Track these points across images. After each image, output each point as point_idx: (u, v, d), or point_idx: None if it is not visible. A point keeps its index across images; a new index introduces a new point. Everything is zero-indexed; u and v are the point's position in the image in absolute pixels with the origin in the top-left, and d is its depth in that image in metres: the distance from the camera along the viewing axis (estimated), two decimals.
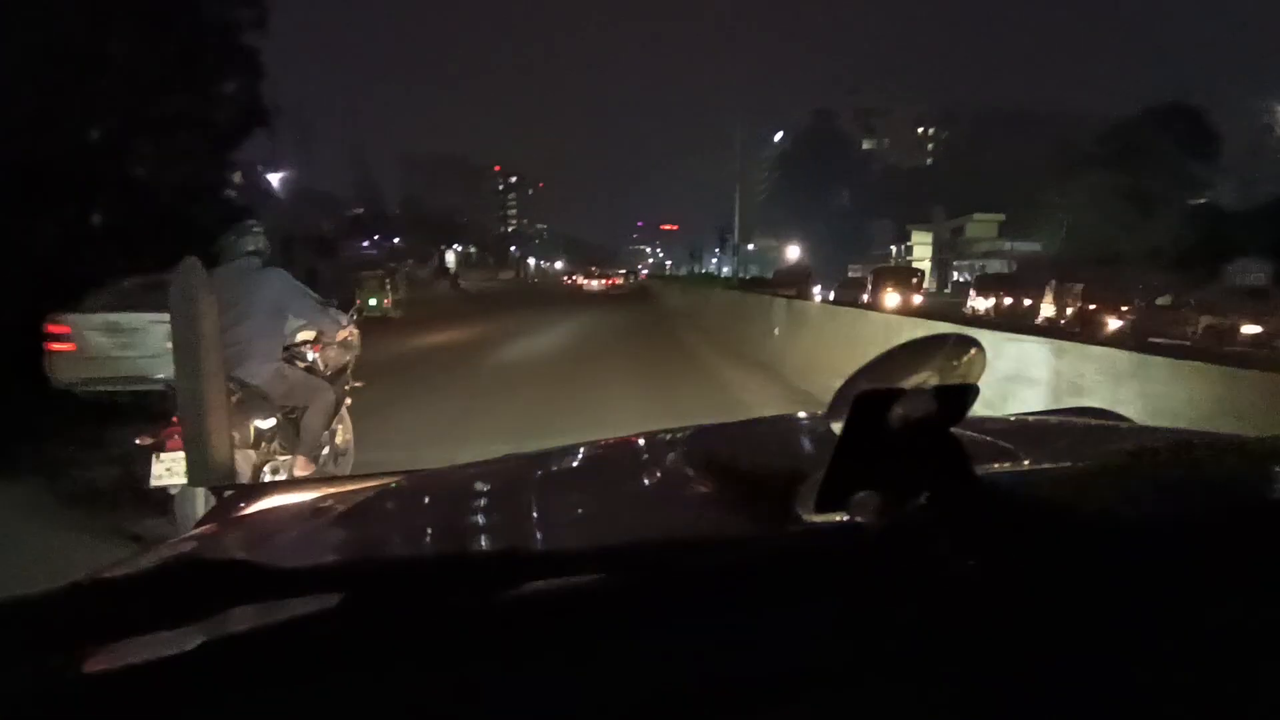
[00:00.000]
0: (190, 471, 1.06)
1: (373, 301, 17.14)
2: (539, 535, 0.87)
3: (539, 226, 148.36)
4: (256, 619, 0.49)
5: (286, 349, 3.89)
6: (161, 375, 4.34)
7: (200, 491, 2.88)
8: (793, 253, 72.22)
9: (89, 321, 6.74)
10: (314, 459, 3.83)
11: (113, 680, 0.45)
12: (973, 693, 0.45)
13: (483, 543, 0.89)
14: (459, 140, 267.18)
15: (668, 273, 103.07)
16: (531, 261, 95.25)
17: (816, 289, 33.95)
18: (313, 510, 0.99)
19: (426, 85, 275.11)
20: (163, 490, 3.27)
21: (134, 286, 7.15)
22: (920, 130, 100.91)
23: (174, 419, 3.11)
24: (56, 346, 6.65)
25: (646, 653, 0.47)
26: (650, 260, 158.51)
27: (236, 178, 25.99)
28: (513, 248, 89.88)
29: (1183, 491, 0.69)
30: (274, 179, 38.25)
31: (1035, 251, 40.71)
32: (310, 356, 4.09)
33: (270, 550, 0.86)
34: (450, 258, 61.11)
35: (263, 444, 3.51)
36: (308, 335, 4.09)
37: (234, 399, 3.13)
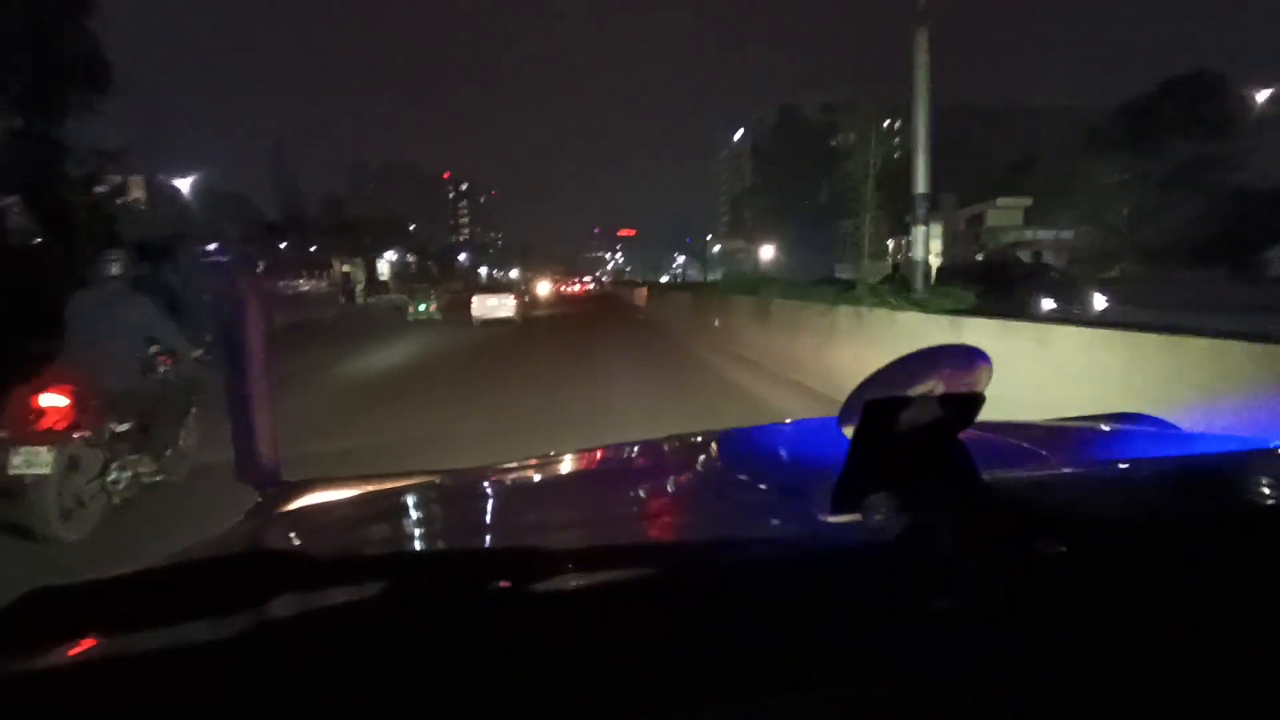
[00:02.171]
0: (237, 468, 1.08)
1: (421, 307, 23.95)
2: (570, 531, 0.89)
3: (493, 235, 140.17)
4: (300, 606, 0.49)
5: (142, 363, 4.44)
6: (500, 315, 21.64)
7: (54, 481, 3.57)
8: (766, 253, 65.43)
9: (480, 298, 22.85)
10: (159, 459, 4.40)
11: (162, 662, 0.46)
12: (978, 684, 0.46)
13: (516, 538, 0.91)
14: (412, 148, 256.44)
15: (636, 278, 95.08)
16: (483, 271, 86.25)
17: (1101, 300, 14.54)
18: (354, 506, 1.02)
19: (379, 93, 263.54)
20: (19, 480, 3.53)
21: (484, 282, 40.88)
22: (886, 124, 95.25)
23: (22, 416, 3.65)
24: (474, 306, 22.26)
25: (670, 642, 0.48)
26: (610, 266, 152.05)
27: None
28: (461, 256, 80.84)
29: (1191, 496, 0.68)
30: (183, 184, 30.14)
31: (1066, 240, 33.96)
32: (161, 369, 4.51)
33: (313, 544, 0.88)
34: (384, 268, 52.37)
35: (115, 444, 4.07)
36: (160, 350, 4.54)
37: (94, 404, 3.86)
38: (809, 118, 72.61)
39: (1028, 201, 35.79)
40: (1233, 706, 0.44)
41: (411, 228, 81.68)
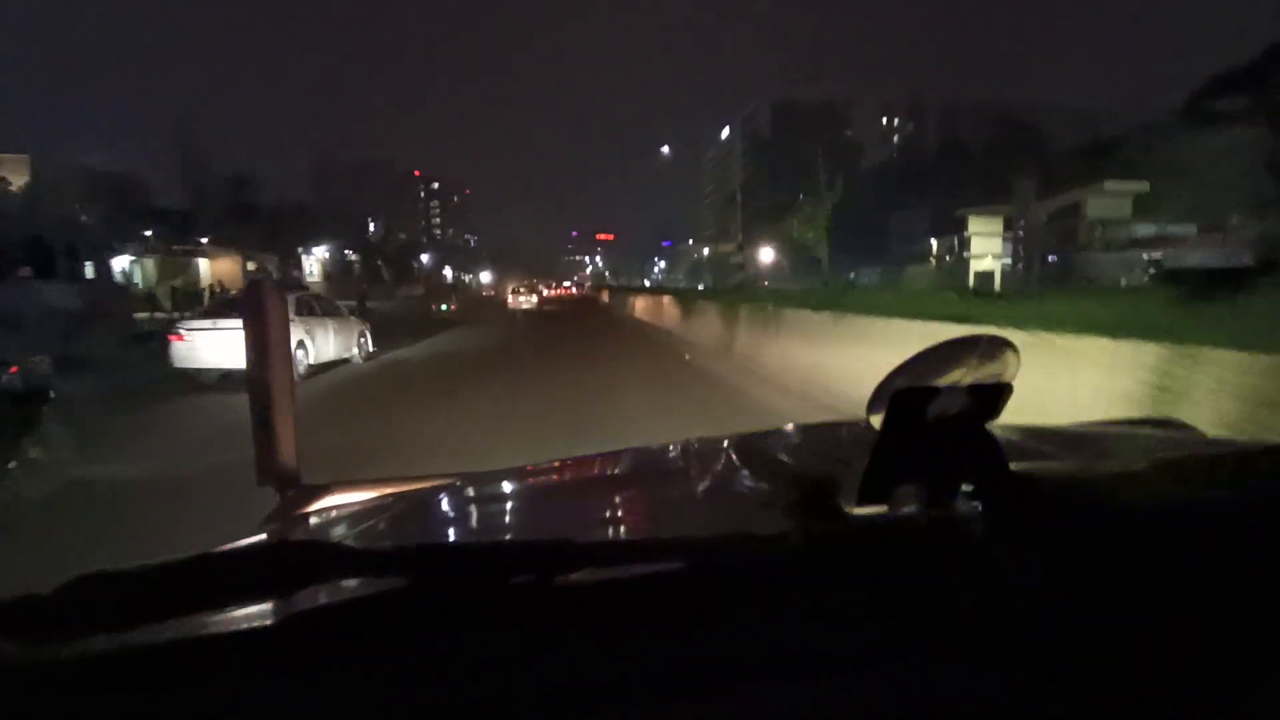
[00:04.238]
0: (258, 471, 1.05)
1: (444, 307, 31.32)
2: (592, 531, 0.89)
3: (466, 237, 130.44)
4: (330, 596, 0.50)
5: None
6: (525, 307, 34.90)
7: None
8: (766, 255, 56.64)
9: (514, 295, 39.00)
10: None
11: (196, 648, 0.47)
12: (1008, 672, 0.46)
13: (538, 538, 0.90)
14: (382, 146, 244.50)
15: (631, 281, 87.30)
16: (448, 273, 75.74)
17: None
18: (374, 508, 1.02)
19: (351, 89, 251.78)
20: None
21: (516, 284, 49.19)
22: (884, 121, 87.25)
23: None
24: (509, 300, 38.04)
25: (702, 630, 0.48)
26: (589, 270, 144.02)
27: None
28: (424, 256, 70.29)
29: (1226, 489, 0.67)
30: None
31: (1188, 235, 25.19)
32: (3, 378, 4.25)
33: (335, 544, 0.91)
34: (312, 266, 42.02)
35: None
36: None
37: None
38: (818, 104, 63.82)
39: (1143, 186, 26.67)
40: (1257, 702, 0.43)
41: (372, 225, 71.49)
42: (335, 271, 44.35)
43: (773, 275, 51.95)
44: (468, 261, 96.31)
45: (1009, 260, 35.16)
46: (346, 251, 49.64)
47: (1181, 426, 1.25)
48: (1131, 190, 27.46)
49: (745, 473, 0.93)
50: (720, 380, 8.85)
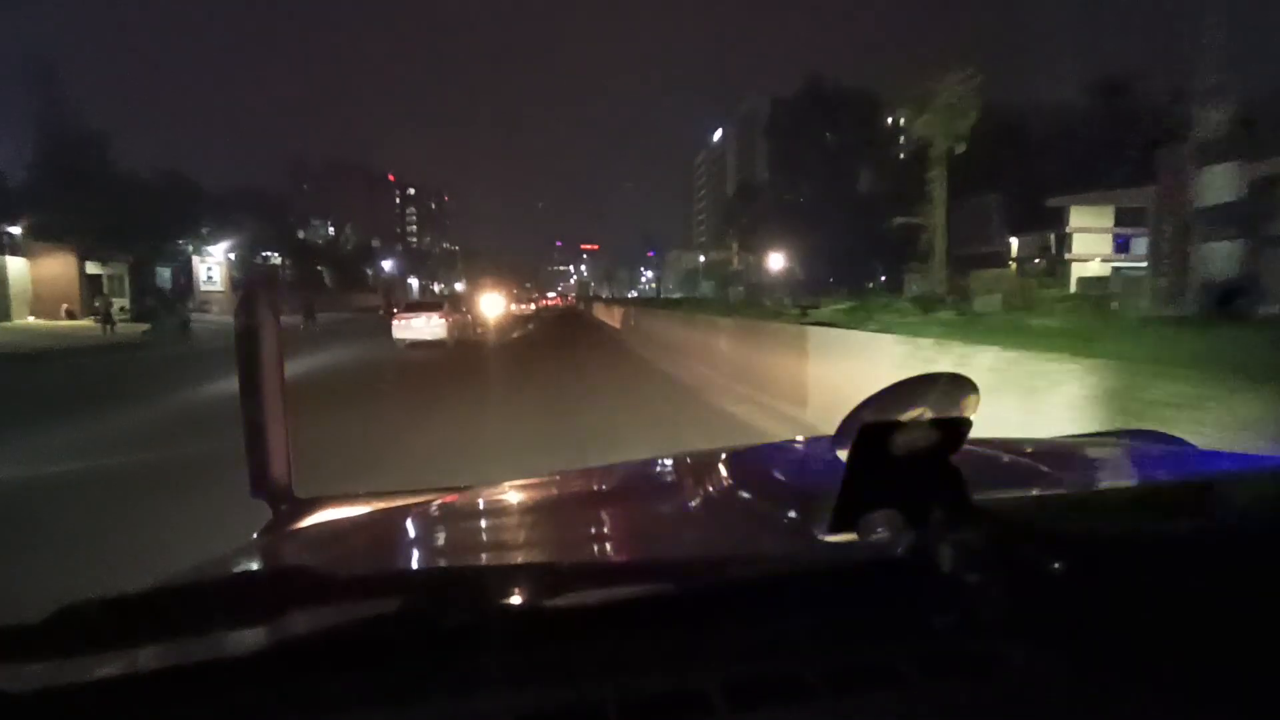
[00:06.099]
0: (252, 484, 1.03)
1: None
2: (579, 548, 0.90)
3: (445, 245, 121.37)
4: (319, 621, 0.50)
5: None
6: (523, 314, 45.16)
7: None
8: (776, 261, 48.27)
9: (517, 304, 51.67)
10: None
11: (179, 677, 0.46)
12: (976, 699, 0.46)
13: (527, 555, 0.91)
14: (357, 151, 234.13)
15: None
16: (414, 283, 66.18)
17: None
18: (367, 523, 1.01)
19: (323, 90, 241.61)
20: None
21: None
22: (889, 121, 79.50)
23: None
24: (512, 308, 47.74)
25: (678, 656, 0.49)
26: (573, 280, 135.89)
27: None
28: (387, 263, 60.83)
29: (1190, 513, 0.67)
30: None
31: None
32: None
33: (327, 560, 0.88)
34: (212, 271, 32.39)
35: None
36: None
37: None
38: (847, 86, 55.15)
39: None
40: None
41: (330, 228, 62.19)
42: (251, 275, 34.62)
43: (782, 285, 43.72)
44: (440, 269, 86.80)
45: (1138, 263, 26.45)
46: (266, 253, 40.32)
47: (1165, 439, 1.24)
48: None
49: (728, 491, 0.95)
50: None
